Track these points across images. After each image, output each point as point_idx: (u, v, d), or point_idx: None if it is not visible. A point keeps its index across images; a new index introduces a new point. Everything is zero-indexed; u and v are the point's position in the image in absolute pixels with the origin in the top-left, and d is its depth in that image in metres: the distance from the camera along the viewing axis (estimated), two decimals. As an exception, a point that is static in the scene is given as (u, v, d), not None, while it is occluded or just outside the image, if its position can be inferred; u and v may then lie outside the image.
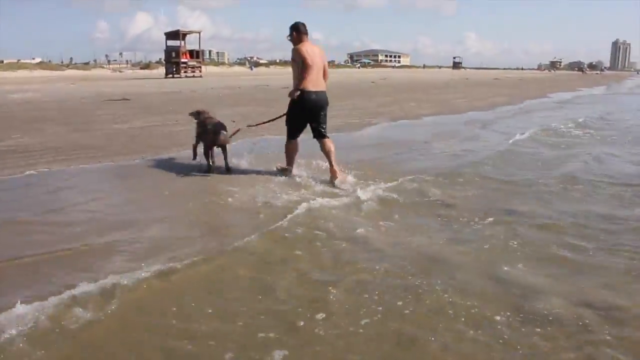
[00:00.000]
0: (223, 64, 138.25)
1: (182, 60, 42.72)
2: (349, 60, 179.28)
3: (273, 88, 23.56)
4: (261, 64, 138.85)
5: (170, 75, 43.10)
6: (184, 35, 44.46)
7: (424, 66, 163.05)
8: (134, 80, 36.11)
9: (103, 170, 6.56)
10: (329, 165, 6.04)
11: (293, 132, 6.19)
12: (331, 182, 5.85)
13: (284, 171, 6.29)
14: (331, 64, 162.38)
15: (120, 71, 68.93)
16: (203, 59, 52.91)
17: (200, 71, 45.29)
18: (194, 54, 44.95)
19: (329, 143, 6.07)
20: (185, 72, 42.85)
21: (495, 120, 12.86)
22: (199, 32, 46.33)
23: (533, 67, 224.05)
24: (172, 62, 43.41)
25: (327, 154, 6.06)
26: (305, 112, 5.99)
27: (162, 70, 57.95)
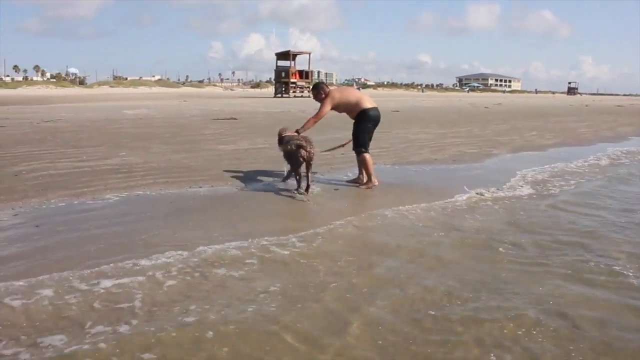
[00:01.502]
0: (331, 84, 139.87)
1: (292, 80, 43.07)
2: (457, 84, 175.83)
3: (384, 111, 22.71)
4: (369, 86, 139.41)
5: (279, 95, 43.63)
6: (294, 55, 44.90)
7: (537, 91, 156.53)
8: (243, 99, 36.71)
9: (202, 197, 6.00)
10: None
11: (367, 144, 7.18)
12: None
13: (369, 185, 6.95)
14: (439, 87, 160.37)
15: (231, 89, 71.09)
16: (312, 80, 53.21)
17: (308, 91, 45.37)
18: (304, 75, 45.25)
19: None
20: (294, 92, 43.17)
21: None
22: (309, 53, 46.59)
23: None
24: (282, 81, 43.91)
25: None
26: (372, 124, 7.17)
27: (271, 89, 59.04)
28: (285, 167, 6.71)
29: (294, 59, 44.62)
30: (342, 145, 7.77)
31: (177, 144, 10.18)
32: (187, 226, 4.74)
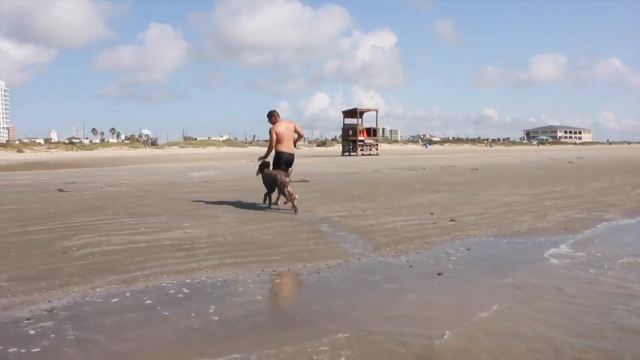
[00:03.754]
0: (396, 141, 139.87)
1: (359, 138, 42.39)
2: (525, 137, 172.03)
3: (460, 169, 21.41)
4: (435, 142, 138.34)
5: (347, 153, 43.02)
6: (361, 113, 44.48)
7: (609, 142, 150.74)
8: (311, 159, 36.10)
9: (272, 293, 4.84)
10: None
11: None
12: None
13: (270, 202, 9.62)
14: (506, 141, 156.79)
15: (298, 148, 70.85)
16: (379, 137, 52.54)
17: (377, 149, 44.71)
18: (371, 132, 44.56)
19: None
20: (362, 150, 42.50)
21: None
22: (376, 110, 46.05)
23: None
24: (349, 139, 43.38)
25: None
26: (282, 164, 9.60)
27: (338, 147, 58.64)
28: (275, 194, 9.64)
29: (361, 117, 44.16)
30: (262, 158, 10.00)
31: (245, 211, 9.20)
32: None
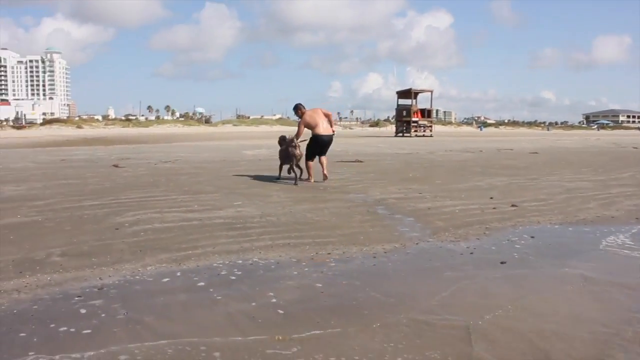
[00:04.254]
0: (450, 123, 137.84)
1: (414, 119, 41.74)
2: (584, 122, 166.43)
3: (519, 152, 20.70)
4: (489, 124, 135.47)
5: (400, 134, 42.57)
6: (416, 94, 43.76)
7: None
8: (364, 139, 35.75)
9: (333, 275, 4.62)
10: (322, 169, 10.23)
11: (311, 156, 10.20)
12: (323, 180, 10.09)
13: (308, 179, 10.09)
14: (564, 124, 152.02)
15: (350, 128, 70.85)
16: (433, 118, 51.69)
17: (430, 130, 43.98)
18: (425, 113, 43.83)
19: (324, 158, 10.30)
20: (415, 131, 41.93)
21: None
22: (431, 91, 45.26)
23: None
24: (403, 120, 42.86)
25: (322, 164, 10.24)
26: (319, 145, 10.11)
27: (390, 128, 58.05)
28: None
29: (415, 97, 43.45)
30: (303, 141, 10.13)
31: (298, 190, 9.04)
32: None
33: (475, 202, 8.08)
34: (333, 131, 10.39)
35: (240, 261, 4.78)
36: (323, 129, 10.03)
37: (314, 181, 10.14)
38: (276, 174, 10.51)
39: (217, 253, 5.01)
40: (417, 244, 5.59)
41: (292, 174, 9.94)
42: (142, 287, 4.04)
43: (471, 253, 5.23)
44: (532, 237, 6.00)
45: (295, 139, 9.87)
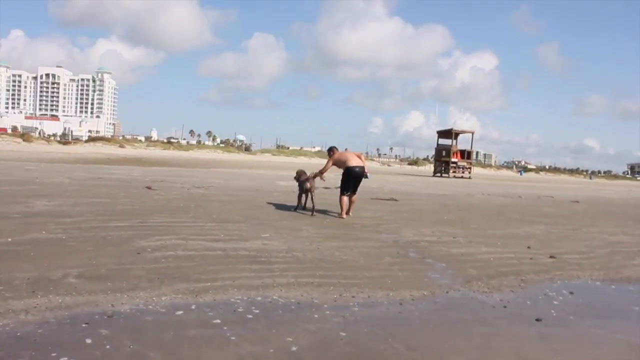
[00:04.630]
0: (490, 166, 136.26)
1: (453, 159, 41.34)
2: (629, 172, 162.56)
3: (559, 200, 20.09)
4: (530, 169, 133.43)
5: (439, 174, 42.14)
6: (457, 134, 43.49)
7: None
8: (402, 177, 35.43)
9: (353, 322, 4.36)
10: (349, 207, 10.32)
11: (344, 191, 10.23)
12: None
13: (340, 215, 10.16)
14: (607, 174, 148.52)
15: (388, 165, 70.57)
16: (473, 160, 51.12)
17: (469, 172, 43.43)
18: (465, 154, 43.41)
19: (354, 196, 10.35)
20: (454, 172, 41.45)
21: None
22: (472, 133, 44.87)
23: None
24: (442, 160, 42.50)
25: (351, 203, 10.33)
26: (352, 178, 10.19)
27: (429, 167, 57.48)
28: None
29: (455, 138, 43.17)
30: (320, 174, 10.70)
31: (328, 226, 8.83)
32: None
33: (512, 251, 7.73)
34: (364, 165, 10.50)
35: (259, 298, 4.57)
36: (354, 162, 10.24)
37: (346, 216, 10.22)
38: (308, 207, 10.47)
39: (236, 287, 4.82)
40: (447, 292, 5.30)
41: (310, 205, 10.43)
42: (154, 319, 3.86)
43: (504, 307, 4.92)
44: (571, 293, 5.64)
45: (307, 173, 10.57)
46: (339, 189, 10.33)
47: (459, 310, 4.73)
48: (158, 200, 10.53)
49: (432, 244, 7.85)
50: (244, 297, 4.54)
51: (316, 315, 4.22)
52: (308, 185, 10.31)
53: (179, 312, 4.04)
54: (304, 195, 10.62)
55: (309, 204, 10.44)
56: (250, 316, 4.08)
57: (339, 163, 10.34)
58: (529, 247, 8.10)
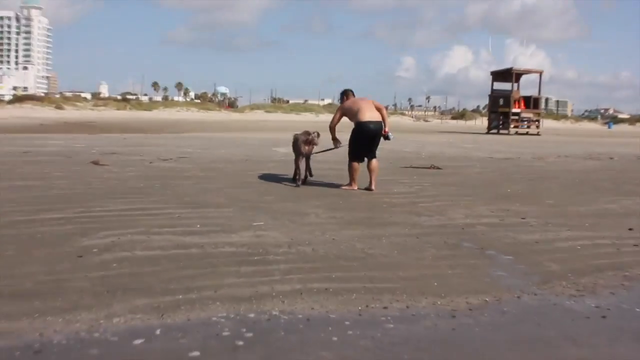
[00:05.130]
0: (565, 116, 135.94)
1: (514, 110, 41.22)
2: None
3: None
4: (621, 120, 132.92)
5: (495, 131, 42.21)
6: (518, 76, 43.39)
7: None
8: (444, 136, 35.25)
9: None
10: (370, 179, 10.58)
11: (356, 155, 10.55)
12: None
13: (350, 187, 10.52)
14: None
15: (425, 120, 70.82)
16: (542, 110, 51.07)
17: (537, 127, 43.38)
18: (531, 102, 43.24)
19: (374, 162, 10.59)
20: (516, 126, 41.47)
21: None
22: (540, 72, 44.60)
23: None
24: (500, 112, 42.46)
25: (371, 172, 10.59)
26: (364, 137, 10.39)
27: (481, 121, 57.50)
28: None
29: (517, 81, 43.04)
30: (328, 150, 11.81)
31: (343, 208, 8.77)
32: None
33: (607, 235, 7.58)
34: (383, 119, 10.55)
35: (252, 315, 4.39)
36: (369, 114, 10.21)
37: (359, 188, 10.47)
38: (319, 180, 10.83)
39: (220, 300, 4.65)
40: (518, 297, 5.13)
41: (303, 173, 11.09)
42: (101, 352, 3.69)
43: (603, 316, 4.73)
44: (701, 294, 5.49)
45: (312, 133, 10.69)
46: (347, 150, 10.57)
47: (537, 323, 4.53)
48: (108, 180, 10.52)
49: (493, 229, 7.72)
50: (230, 315, 4.37)
51: (335, 338, 4.05)
52: (307, 148, 10.66)
53: (138, 341, 3.88)
54: (303, 161, 10.80)
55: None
56: (241, 342, 3.91)
57: (349, 114, 10.44)
58: (631, 229, 7.95)
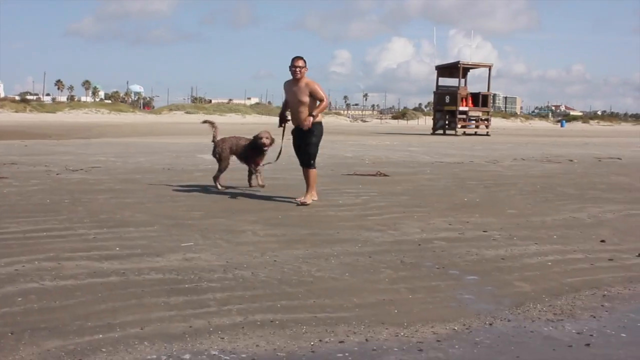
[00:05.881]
0: (514, 115, 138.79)
1: (461, 108, 41.81)
2: None
3: (632, 163, 20.51)
4: (574, 117, 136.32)
5: (441, 131, 42.68)
6: (466, 70, 43.91)
7: None
8: (385, 138, 35.46)
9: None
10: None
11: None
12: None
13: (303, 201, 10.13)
14: None
15: (363, 120, 71.35)
16: (491, 108, 51.92)
17: (487, 126, 44.09)
18: (479, 100, 43.91)
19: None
20: (464, 127, 41.98)
21: None
22: (489, 67, 45.32)
23: None
24: (446, 110, 42.97)
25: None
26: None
27: (425, 121, 58.14)
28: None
29: (464, 76, 43.59)
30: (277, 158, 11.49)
31: (283, 224, 8.64)
32: None
33: (578, 249, 7.62)
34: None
35: (188, 356, 4.18)
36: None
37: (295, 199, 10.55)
38: (252, 190, 10.68)
39: (148, 339, 4.43)
40: (490, 324, 5.03)
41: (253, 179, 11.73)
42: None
43: (587, 344, 4.65)
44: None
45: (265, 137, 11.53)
46: (304, 158, 10.47)
47: (516, 355, 4.41)
48: (8, 196, 10.30)
49: (453, 244, 7.66)
50: (162, 356, 4.16)
51: None
52: (266, 142, 11.56)
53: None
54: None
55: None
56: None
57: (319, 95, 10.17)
58: (603, 242, 8.02)
